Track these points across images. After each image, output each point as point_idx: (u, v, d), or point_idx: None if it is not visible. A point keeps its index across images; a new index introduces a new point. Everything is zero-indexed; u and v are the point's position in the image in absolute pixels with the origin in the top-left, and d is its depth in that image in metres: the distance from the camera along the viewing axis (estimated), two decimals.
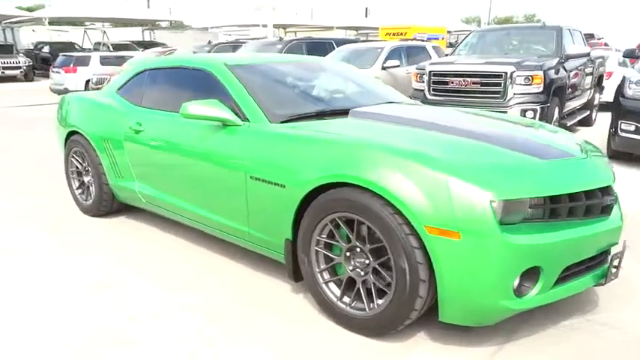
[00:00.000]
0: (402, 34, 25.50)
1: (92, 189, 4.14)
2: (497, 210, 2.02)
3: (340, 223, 2.38)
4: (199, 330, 2.48)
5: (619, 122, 5.78)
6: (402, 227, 2.13)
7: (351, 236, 2.38)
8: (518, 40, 7.70)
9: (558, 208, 2.19)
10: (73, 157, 4.27)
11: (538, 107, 6.25)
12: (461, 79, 6.50)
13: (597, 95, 9.23)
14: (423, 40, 19.76)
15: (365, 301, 2.37)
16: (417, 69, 7.20)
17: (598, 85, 9.23)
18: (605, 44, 30.91)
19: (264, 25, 20.71)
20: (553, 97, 6.48)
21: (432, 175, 2.09)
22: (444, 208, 2.04)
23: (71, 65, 15.08)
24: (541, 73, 6.24)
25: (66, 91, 14.91)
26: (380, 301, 2.31)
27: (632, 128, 5.67)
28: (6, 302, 2.77)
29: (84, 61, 15.25)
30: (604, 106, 9.39)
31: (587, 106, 8.68)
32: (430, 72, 6.80)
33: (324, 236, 2.48)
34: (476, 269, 2.04)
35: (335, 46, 11.73)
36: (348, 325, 2.43)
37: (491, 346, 2.31)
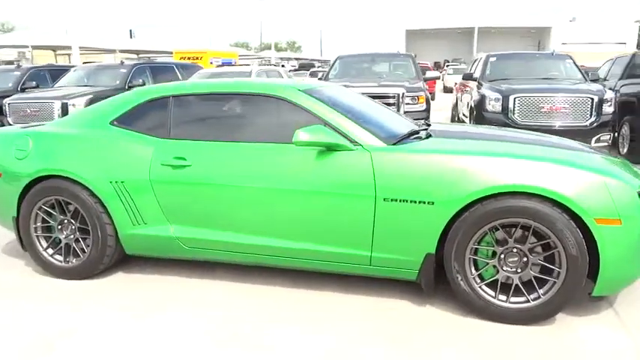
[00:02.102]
0: (197, 58, 25.51)
1: (81, 245, 3.37)
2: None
3: (500, 228, 2.64)
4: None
5: None
6: (570, 222, 2.52)
7: (508, 239, 2.66)
8: (382, 65, 8.74)
9: None
10: (41, 209, 3.39)
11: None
12: None
13: None
14: (219, 65, 19.92)
15: (526, 293, 2.67)
16: None
17: None
18: None
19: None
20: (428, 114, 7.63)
21: (592, 178, 2.54)
22: (607, 202, 2.51)
23: None
24: (424, 93, 7.30)
25: None
26: (542, 290, 2.64)
27: None
28: None
29: None
30: None
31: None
32: None
33: (476, 244, 2.69)
34: (630, 246, 2.55)
35: (177, 70, 11.28)
36: (508, 320, 2.69)
37: (609, 309, 2.86)
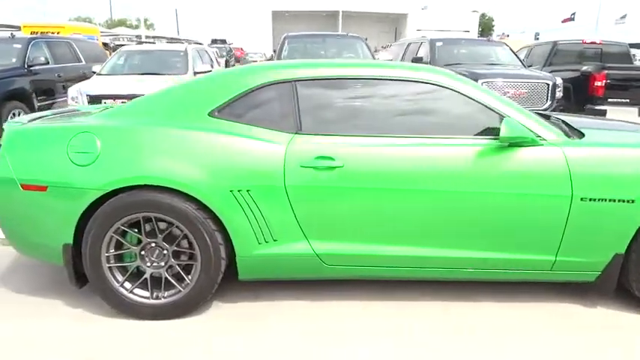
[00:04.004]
0: (55, 33, 22.21)
1: (175, 273, 2.59)
2: None
3: None
4: None
5: None
6: None
7: None
8: (335, 47, 8.38)
9: None
10: (118, 231, 2.52)
11: None
12: None
13: None
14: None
15: None
16: None
17: None
18: (242, 49, 35.10)
19: None
20: None
21: None
22: None
23: None
24: None
25: None
26: None
27: None
28: None
29: None
30: None
31: None
32: None
33: None
34: None
35: (74, 46, 9.59)
36: None
37: None
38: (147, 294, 2.61)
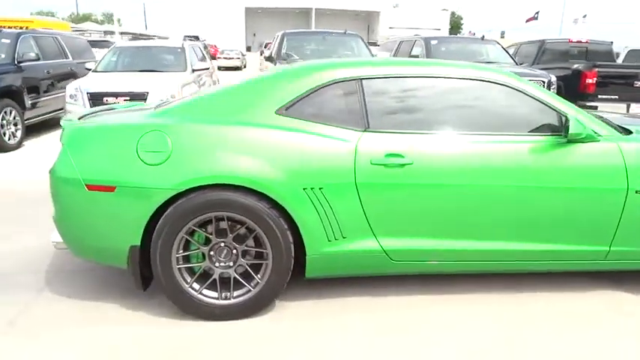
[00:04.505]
0: (24, 27, 21.50)
1: (245, 274, 2.59)
2: None
3: None
4: None
5: None
6: None
7: None
8: (333, 45, 8.40)
9: None
10: (188, 231, 2.49)
11: None
12: None
13: None
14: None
15: None
16: None
17: None
18: (215, 46, 34.66)
19: None
20: None
21: None
22: None
23: None
24: None
25: None
26: None
27: None
28: None
29: None
30: None
31: None
32: None
33: None
34: None
35: (61, 41, 9.30)
36: None
37: None
38: (215, 294, 2.59)
